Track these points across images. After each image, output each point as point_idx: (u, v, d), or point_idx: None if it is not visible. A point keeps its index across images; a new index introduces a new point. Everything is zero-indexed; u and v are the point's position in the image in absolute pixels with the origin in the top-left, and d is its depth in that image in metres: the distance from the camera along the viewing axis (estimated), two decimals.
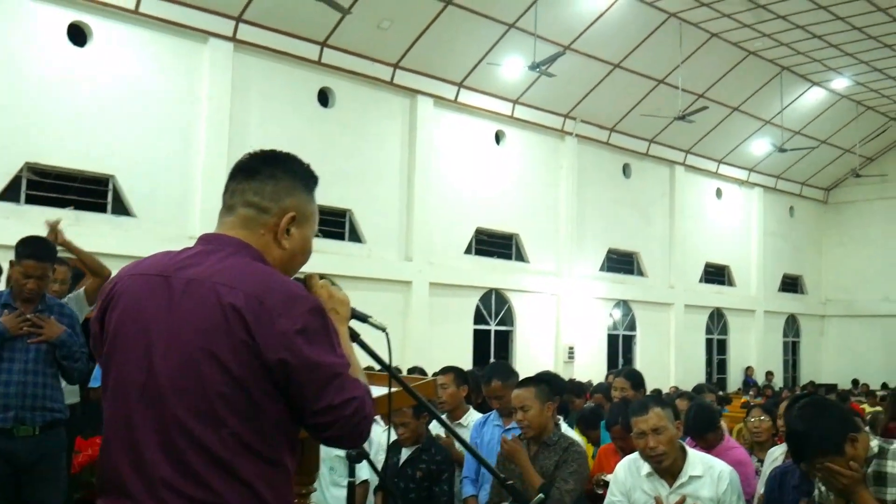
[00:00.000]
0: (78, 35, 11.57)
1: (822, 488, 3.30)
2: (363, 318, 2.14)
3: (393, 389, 2.16)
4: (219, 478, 1.73)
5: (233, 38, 12.86)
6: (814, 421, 2.98)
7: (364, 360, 2.10)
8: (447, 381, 5.15)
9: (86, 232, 11.19)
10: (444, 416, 5.27)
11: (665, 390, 13.09)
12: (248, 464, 1.76)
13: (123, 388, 1.83)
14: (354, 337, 2.07)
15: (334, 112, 14.36)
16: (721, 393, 12.57)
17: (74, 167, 11.49)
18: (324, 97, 14.32)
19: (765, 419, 5.35)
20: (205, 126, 12.59)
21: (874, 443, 3.00)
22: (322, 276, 2.08)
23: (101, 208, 11.82)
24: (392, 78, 14.89)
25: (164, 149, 12.24)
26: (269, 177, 1.97)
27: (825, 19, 16.36)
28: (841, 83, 20.29)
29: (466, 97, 15.98)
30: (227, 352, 1.74)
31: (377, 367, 2.16)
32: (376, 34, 14.19)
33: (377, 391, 2.16)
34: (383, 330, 2.11)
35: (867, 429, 3.93)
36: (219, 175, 12.61)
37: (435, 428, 5.10)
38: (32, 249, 4.37)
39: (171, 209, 12.27)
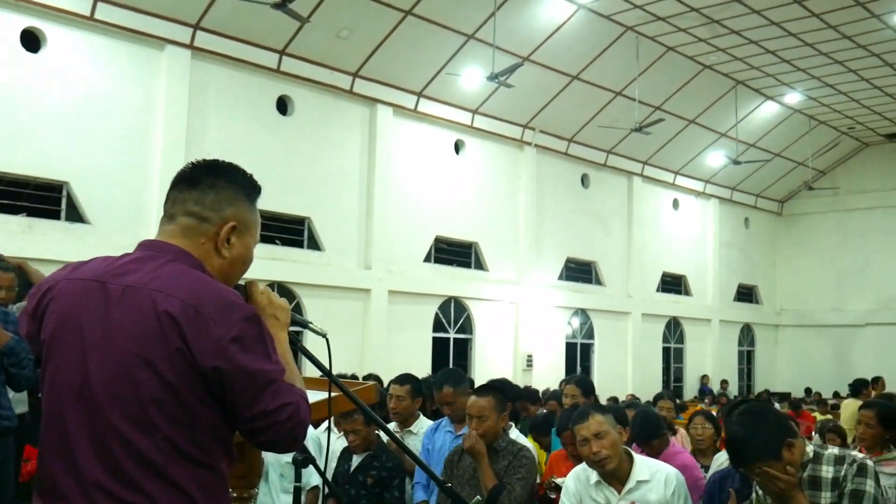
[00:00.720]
0: (31, 41, 11.43)
1: (760, 492, 3.39)
2: (304, 325, 2.18)
3: (333, 394, 2.19)
4: (152, 482, 1.76)
5: (190, 46, 12.79)
6: (752, 427, 3.05)
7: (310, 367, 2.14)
8: (403, 394, 5.18)
9: (39, 239, 11.12)
10: (393, 425, 5.31)
11: (622, 398, 13.24)
12: (182, 469, 1.78)
13: (58, 391, 1.85)
14: (293, 343, 2.10)
15: (293, 120, 14.34)
16: (678, 401, 12.73)
17: (27, 174, 11.33)
18: (283, 105, 14.30)
19: (707, 427, 5.46)
20: (162, 133, 12.50)
21: (809, 448, 3.09)
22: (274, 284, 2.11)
23: (54, 215, 11.67)
24: (351, 87, 14.92)
25: (119, 156, 12.13)
26: (210, 186, 1.99)
27: (778, 35, 16.72)
28: (794, 97, 20.71)
29: (426, 107, 16.06)
30: (162, 359, 1.76)
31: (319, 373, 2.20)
32: (336, 43, 14.21)
33: (318, 396, 2.20)
34: (324, 336, 2.14)
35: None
36: None
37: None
38: None
39: (127, 217, 12.15)
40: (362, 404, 2.20)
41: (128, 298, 1.82)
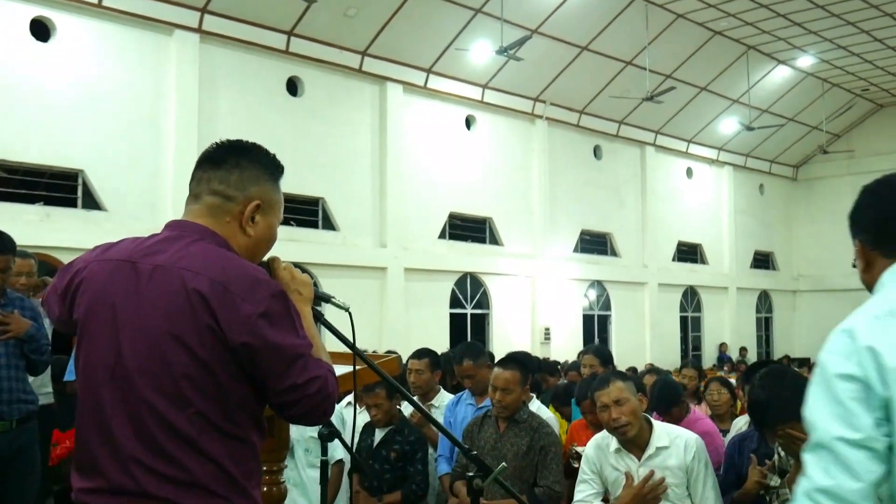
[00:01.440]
0: (41, 30, 11.47)
1: (782, 453, 3.42)
2: (326, 299, 2.21)
3: (357, 367, 2.23)
4: (187, 455, 1.81)
5: (198, 30, 12.81)
6: (774, 389, 3.09)
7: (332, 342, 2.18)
8: (422, 367, 5.22)
9: (56, 227, 11.22)
10: (414, 398, 5.37)
11: (640, 368, 13.28)
12: (215, 441, 1.83)
13: (93, 370, 1.90)
14: (318, 317, 2.14)
15: (304, 101, 14.35)
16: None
17: (43, 163, 11.42)
18: (292, 86, 14.30)
19: (723, 392, 5.49)
20: (173, 118, 12.55)
21: None
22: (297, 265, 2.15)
23: (71, 203, 11.77)
24: (360, 65, 14.89)
25: (133, 142, 12.19)
26: (234, 166, 2.03)
27: None
28: (806, 61, 20.52)
29: (436, 83, 16.02)
30: (193, 335, 1.81)
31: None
32: (343, 22, 14.18)
33: (342, 370, 2.24)
34: (346, 310, 2.18)
35: None
36: (189, 167, 12.36)
37: (407, 408, 5.19)
38: None
39: (142, 202, 12.23)
40: (387, 376, 2.24)
41: (157, 277, 1.87)
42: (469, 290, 16.94)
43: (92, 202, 11.89)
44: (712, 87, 20.18)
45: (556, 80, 17.57)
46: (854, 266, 1.97)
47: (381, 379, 2.27)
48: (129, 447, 1.82)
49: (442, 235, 16.41)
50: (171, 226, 2.02)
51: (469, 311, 16.93)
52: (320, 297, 2.19)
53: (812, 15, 17.47)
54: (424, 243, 15.92)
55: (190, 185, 2.07)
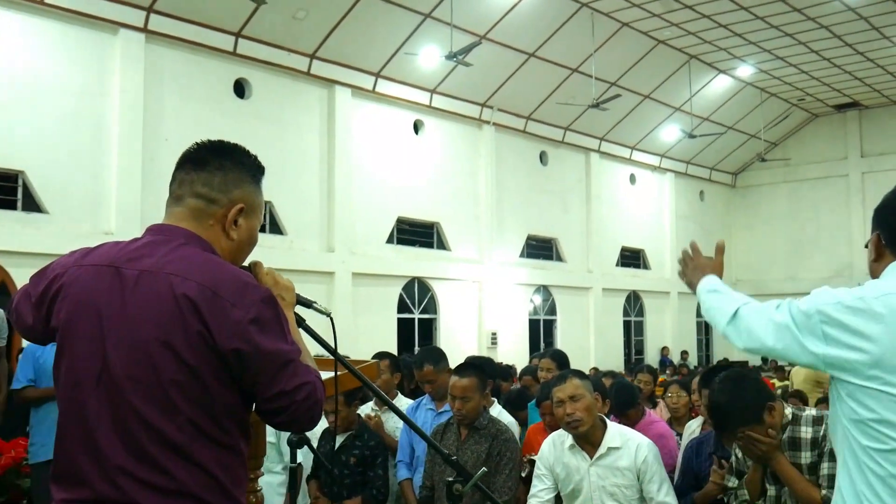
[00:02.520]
0: None
1: (740, 454, 3.50)
2: (308, 304, 2.20)
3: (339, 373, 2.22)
4: (175, 463, 1.77)
5: (144, 29, 12.58)
6: (735, 393, 3.15)
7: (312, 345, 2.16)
8: (383, 367, 5.22)
9: None
10: (371, 403, 5.36)
11: (585, 372, 13.42)
12: (204, 449, 1.80)
13: (77, 378, 1.85)
14: (300, 322, 2.13)
15: (251, 103, 14.20)
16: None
17: None
18: (240, 88, 14.14)
19: (682, 395, 5.60)
20: (118, 119, 12.30)
21: (788, 410, 3.20)
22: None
23: (10, 205, 11.43)
24: (309, 68, 14.80)
25: (75, 143, 11.91)
26: (217, 168, 2.00)
27: (730, 9, 16.93)
28: (745, 71, 21.02)
29: (384, 87, 16.00)
30: (182, 341, 1.78)
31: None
32: (292, 24, 14.08)
33: (323, 375, 2.23)
34: (328, 315, 2.17)
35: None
36: (133, 169, 12.35)
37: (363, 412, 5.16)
38: None
39: (85, 204, 11.96)
40: (368, 381, 2.23)
41: (144, 283, 1.83)
42: (417, 295, 16.94)
43: (33, 204, 11.57)
44: (655, 95, 20.54)
45: (503, 86, 17.69)
46: (866, 247, 2.25)
47: (363, 384, 2.26)
48: (116, 456, 1.77)
49: (390, 240, 16.39)
50: (154, 230, 1.98)
51: (417, 315, 16.93)
52: (302, 303, 2.17)
53: (752, 26, 17.92)
54: (372, 248, 15.88)
55: (171, 186, 2.03)
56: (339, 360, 2.17)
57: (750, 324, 2.20)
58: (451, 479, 2.30)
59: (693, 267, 2.66)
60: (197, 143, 2.05)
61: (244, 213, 2.02)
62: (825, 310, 2.07)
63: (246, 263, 2.09)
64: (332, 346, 2.15)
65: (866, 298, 2.05)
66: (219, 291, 1.80)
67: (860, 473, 2.07)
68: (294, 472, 3.17)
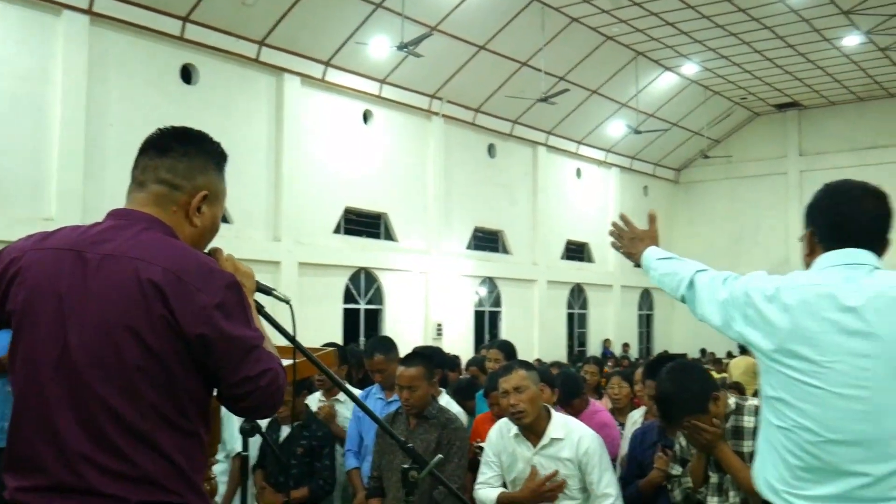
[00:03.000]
0: None
1: (684, 443, 3.60)
2: (268, 291, 2.21)
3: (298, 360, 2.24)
4: (137, 450, 1.77)
5: (89, 11, 12.31)
6: (681, 383, 3.24)
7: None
8: (330, 360, 5.20)
9: None
10: (318, 394, 5.36)
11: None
12: (167, 436, 1.80)
13: (34, 363, 1.83)
14: (259, 309, 2.13)
15: (198, 89, 14.00)
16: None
17: None
18: (187, 74, 13.94)
19: (624, 386, 5.71)
20: (60, 104, 12.02)
21: (732, 400, 3.30)
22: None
23: None
24: (258, 55, 14.65)
25: (15, 127, 11.62)
26: (182, 154, 1.99)
27: (677, 7, 17.20)
28: (691, 69, 21.39)
29: (334, 76, 15.91)
30: (146, 326, 1.77)
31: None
32: (241, 10, 13.90)
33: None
34: (287, 302, 2.18)
35: None
36: (76, 154, 12.10)
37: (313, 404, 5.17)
38: None
39: (25, 190, 11.68)
40: (326, 369, 2.26)
41: (107, 267, 1.82)
42: (363, 286, 16.92)
43: None
44: (603, 90, 20.78)
45: (453, 77, 17.73)
46: (800, 240, 2.46)
47: (322, 372, 2.28)
48: (77, 443, 1.76)
49: (337, 230, 16.33)
50: (116, 214, 1.96)
51: (363, 306, 16.91)
52: (262, 290, 2.18)
53: (698, 25, 18.24)
54: (319, 238, 15.81)
55: (133, 172, 2.02)
56: (297, 348, 2.19)
57: (702, 296, 2.47)
58: (406, 465, 2.34)
59: (630, 238, 2.83)
60: (160, 130, 2.04)
61: (207, 200, 2.01)
62: (751, 294, 2.32)
63: (206, 251, 2.09)
64: (291, 333, 2.17)
65: (781, 289, 2.27)
66: (184, 276, 1.80)
67: (768, 446, 2.32)
68: (245, 461, 3.16)
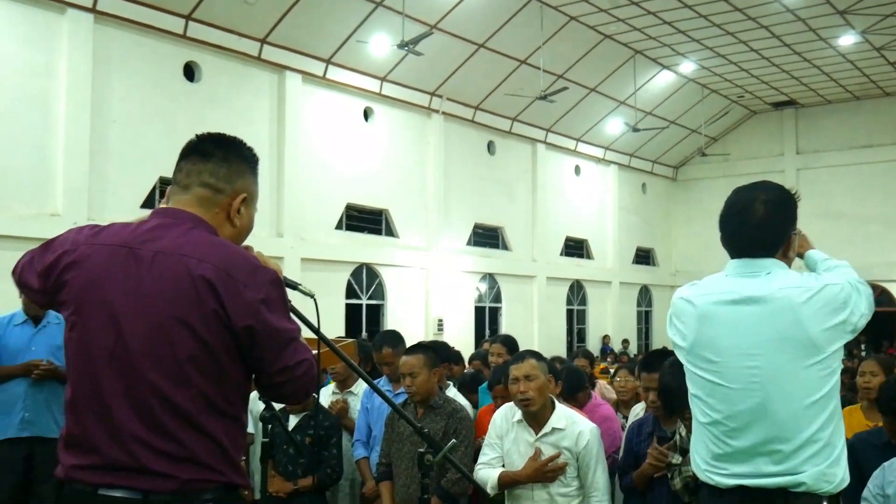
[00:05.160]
0: None
1: (684, 433, 3.74)
2: (294, 286, 2.35)
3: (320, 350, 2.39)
4: (186, 432, 1.93)
5: (93, 10, 12.43)
6: (681, 377, 3.39)
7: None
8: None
9: None
10: (331, 387, 5.50)
11: None
12: (213, 420, 1.96)
13: (90, 352, 1.98)
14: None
15: (201, 87, 14.12)
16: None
17: None
18: (189, 72, 14.06)
19: (630, 379, 5.84)
20: (65, 101, 12.14)
21: None
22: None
23: None
24: (260, 53, 14.77)
25: (21, 123, 11.74)
26: (222, 159, 2.14)
27: (674, 6, 17.33)
28: (688, 67, 21.52)
29: (335, 74, 16.03)
30: (198, 320, 1.93)
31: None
32: (243, 8, 14.03)
33: None
34: (311, 296, 2.34)
35: None
36: (81, 150, 12.22)
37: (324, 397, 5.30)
38: None
39: (32, 186, 11.81)
40: (349, 359, 2.41)
41: (159, 263, 1.97)
42: (365, 281, 17.07)
43: None
44: (601, 88, 20.91)
45: (452, 75, 17.86)
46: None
47: (343, 361, 2.43)
48: (130, 426, 1.91)
49: (339, 226, 16.47)
50: (162, 213, 2.11)
51: (364, 301, 17.06)
52: (289, 285, 2.33)
53: (695, 24, 18.37)
54: (321, 234, 15.95)
55: (175, 175, 2.16)
56: (322, 340, 2.34)
57: None
58: (422, 450, 2.49)
59: None
60: (199, 136, 2.19)
61: (246, 202, 2.17)
62: (674, 301, 2.68)
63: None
64: (316, 325, 2.32)
65: (692, 297, 2.62)
66: (233, 273, 1.95)
67: (696, 433, 2.66)
68: (265, 447, 3.30)
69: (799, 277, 2.52)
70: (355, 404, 5.24)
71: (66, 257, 2.05)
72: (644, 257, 26.49)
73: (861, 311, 2.48)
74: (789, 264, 2.62)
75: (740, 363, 2.48)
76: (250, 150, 2.25)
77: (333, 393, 5.40)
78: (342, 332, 15.17)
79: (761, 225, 2.57)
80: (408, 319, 17.42)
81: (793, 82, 22.93)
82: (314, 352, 2.37)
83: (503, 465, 4.01)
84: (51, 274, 2.05)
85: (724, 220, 2.67)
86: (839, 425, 2.49)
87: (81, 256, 2.03)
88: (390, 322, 17.10)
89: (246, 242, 2.22)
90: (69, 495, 1.97)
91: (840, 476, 2.46)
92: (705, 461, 2.58)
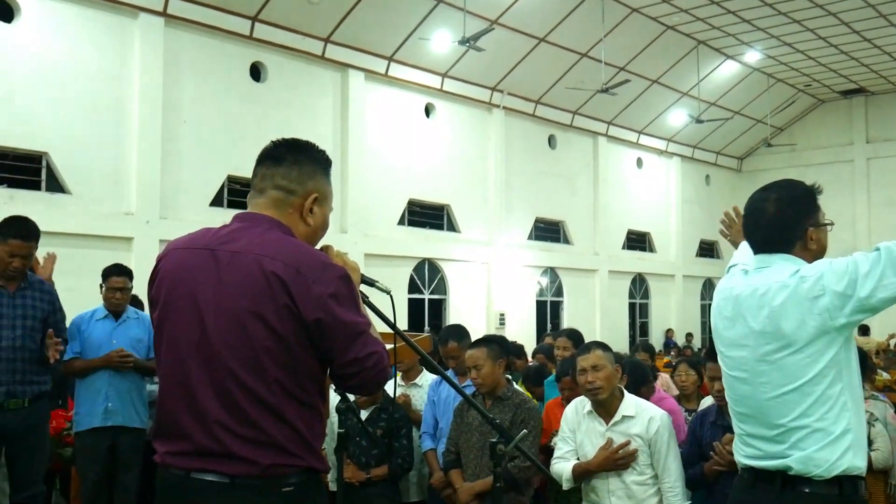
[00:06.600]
0: (5, 11, 11.39)
1: None
2: (371, 283, 2.49)
3: (396, 345, 2.51)
4: (266, 419, 2.06)
5: (163, 13, 12.80)
6: None
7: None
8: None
9: (20, 210, 11.07)
10: (399, 379, 5.63)
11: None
12: (291, 407, 2.09)
13: (178, 344, 2.14)
14: (364, 299, 2.41)
15: (266, 87, 14.43)
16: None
17: (6, 145, 11.35)
18: (256, 72, 14.38)
19: (691, 373, 5.86)
20: (138, 102, 12.54)
21: None
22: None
23: (34, 186, 11.72)
24: (323, 52, 15.02)
25: (97, 125, 12.17)
26: (294, 163, 2.28)
27: None
28: (753, 56, 21.16)
29: (396, 71, 16.21)
30: (272, 313, 2.06)
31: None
32: (307, 9, 14.28)
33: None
34: (388, 293, 2.46)
35: None
36: (154, 150, 12.61)
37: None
38: (18, 229, 4.53)
39: (107, 185, 12.24)
40: (424, 353, 2.52)
41: (236, 262, 2.12)
42: (427, 276, 17.23)
43: (56, 185, 11.85)
44: (663, 80, 20.71)
45: (513, 70, 17.89)
46: None
47: (419, 355, 2.54)
48: (215, 413, 2.06)
49: (401, 222, 16.66)
50: (241, 217, 2.27)
51: (427, 296, 17.23)
52: (366, 282, 2.45)
53: (760, 13, 18.06)
54: (384, 230, 16.15)
55: (253, 180, 2.32)
56: (398, 334, 2.45)
57: None
58: (493, 440, 2.59)
59: (736, 230, 3.33)
60: (273, 142, 2.33)
61: (318, 201, 2.30)
62: (714, 297, 2.91)
63: (318, 247, 2.36)
64: (392, 321, 2.44)
65: (716, 291, 2.86)
66: (302, 270, 2.08)
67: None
68: (341, 437, 3.44)
69: (787, 272, 2.59)
70: (421, 396, 5.36)
71: (158, 264, 2.25)
72: (708, 250, 26.14)
73: (850, 293, 2.50)
74: (811, 258, 2.68)
75: (734, 353, 2.71)
76: (321, 152, 2.38)
77: (400, 385, 5.53)
78: (405, 327, 15.33)
79: (770, 223, 2.69)
80: (470, 314, 17.52)
81: (862, 69, 22.36)
82: (389, 346, 2.51)
83: (577, 459, 4.08)
84: (153, 280, 2.26)
85: (743, 221, 2.85)
86: (836, 411, 2.51)
87: (169, 262, 2.23)
88: (452, 317, 17.23)
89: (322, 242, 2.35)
90: (165, 479, 2.14)
91: (832, 460, 2.49)
92: (736, 443, 2.82)
